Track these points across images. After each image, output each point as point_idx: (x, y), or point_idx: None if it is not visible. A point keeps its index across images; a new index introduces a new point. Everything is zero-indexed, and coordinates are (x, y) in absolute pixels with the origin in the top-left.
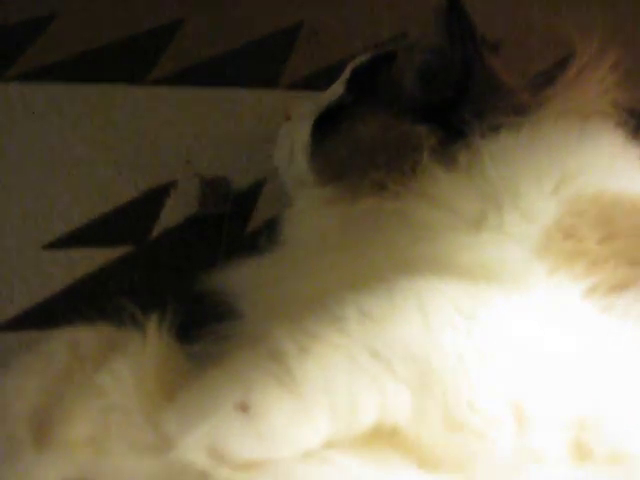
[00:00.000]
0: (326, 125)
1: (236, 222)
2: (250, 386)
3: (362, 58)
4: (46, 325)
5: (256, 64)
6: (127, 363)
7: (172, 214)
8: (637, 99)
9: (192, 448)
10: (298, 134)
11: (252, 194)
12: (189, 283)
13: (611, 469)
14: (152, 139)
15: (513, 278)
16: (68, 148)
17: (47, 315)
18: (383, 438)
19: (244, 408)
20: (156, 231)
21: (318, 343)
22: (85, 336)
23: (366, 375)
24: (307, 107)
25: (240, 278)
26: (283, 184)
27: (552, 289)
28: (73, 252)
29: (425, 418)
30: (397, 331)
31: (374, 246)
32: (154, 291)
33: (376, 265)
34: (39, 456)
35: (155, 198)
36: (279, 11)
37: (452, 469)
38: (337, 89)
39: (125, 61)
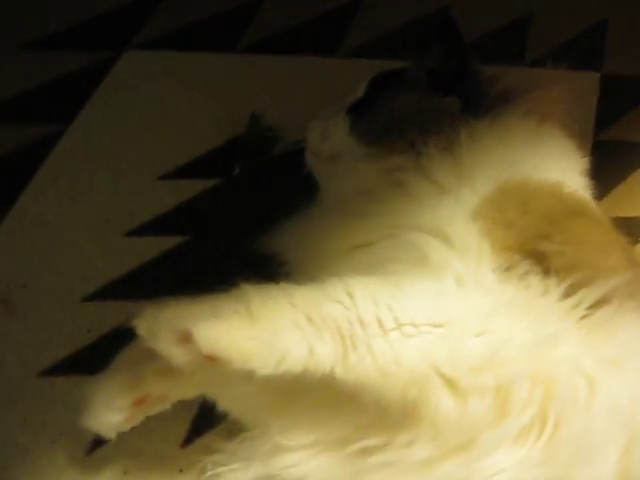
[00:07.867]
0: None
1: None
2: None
3: (378, 74)
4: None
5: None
6: None
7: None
8: None
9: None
10: (331, 121)
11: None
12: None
13: None
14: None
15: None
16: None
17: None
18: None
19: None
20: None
21: (272, 301)
22: None
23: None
24: (329, 109)
25: (289, 234)
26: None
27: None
28: None
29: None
30: (329, 307)
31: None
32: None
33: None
34: None
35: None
36: None
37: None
38: (359, 92)
39: (217, 31)
